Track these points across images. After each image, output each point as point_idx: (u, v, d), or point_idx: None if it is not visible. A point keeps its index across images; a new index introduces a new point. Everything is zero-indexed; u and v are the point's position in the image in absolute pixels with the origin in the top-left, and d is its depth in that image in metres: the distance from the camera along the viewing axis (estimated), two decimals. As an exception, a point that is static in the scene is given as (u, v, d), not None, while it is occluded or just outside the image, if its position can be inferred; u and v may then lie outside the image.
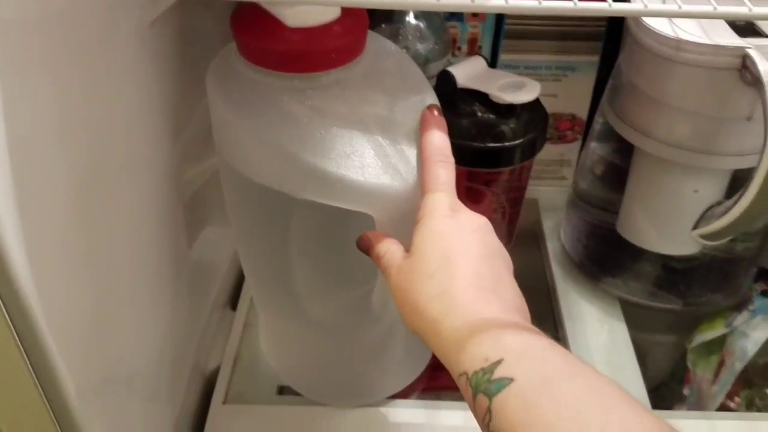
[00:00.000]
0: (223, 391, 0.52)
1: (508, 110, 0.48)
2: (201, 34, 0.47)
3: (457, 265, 0.34)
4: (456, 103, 0.48)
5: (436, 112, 0.40)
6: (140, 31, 0.38)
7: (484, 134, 0.47)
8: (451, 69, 0.49)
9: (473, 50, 0.65)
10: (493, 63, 0.66)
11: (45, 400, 0.31)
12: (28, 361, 0.30)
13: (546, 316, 0.63)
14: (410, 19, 0.57)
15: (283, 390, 0.54)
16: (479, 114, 0.48)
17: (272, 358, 0.54)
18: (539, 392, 0.27)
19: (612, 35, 0.63)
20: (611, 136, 0.56)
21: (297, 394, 0.52)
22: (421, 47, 0.58)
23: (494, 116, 0.48)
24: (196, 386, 0.53)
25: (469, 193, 0.52)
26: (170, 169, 0.45)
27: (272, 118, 0.38)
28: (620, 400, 0.27)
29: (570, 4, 0.35)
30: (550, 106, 0.67)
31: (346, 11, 0.39)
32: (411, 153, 0.38)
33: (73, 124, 0.31)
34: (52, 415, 0.32)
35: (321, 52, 0.38)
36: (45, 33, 0.29)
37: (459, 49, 0.65)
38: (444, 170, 0.38)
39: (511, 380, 0.28)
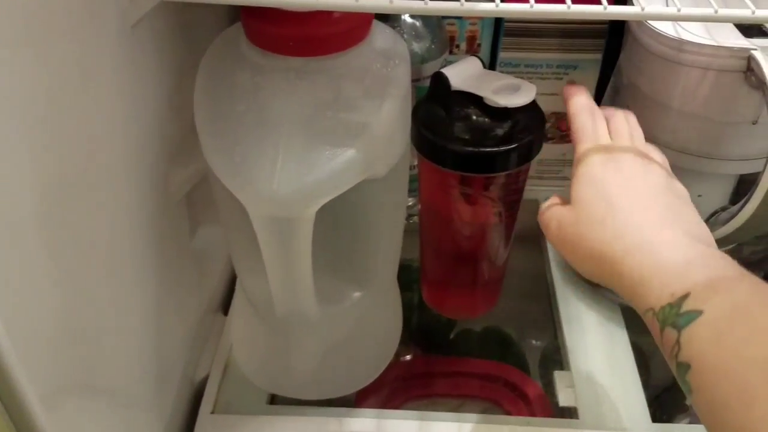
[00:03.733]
0: (211, 401, 0.51)
1: (504, 113, 0.46)
2: (187, 34, 0.46)
3: (625, 206, 0.35)
4: (450, 105, 0.47)
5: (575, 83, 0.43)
6: (121, 33, 0.37)
7: (479, 138, 0.46)
8: (445, 70, 0.47)
9: (472, 48, 0.63)
10: (492, 61, 0.65)
11: (3, 407, 0.30)
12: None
13: (546, 320, 0.61)
14: (406, 17, 0.56)
15: (274, 399, 0.52)
16: (474, 117, 0.47)
17: (242, 360, 0.53)
18: (730, 320, 0.28)
19: (615, 32, 0.61)
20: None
21: (288, 403, 0.51)
22: (417, 46, 0.56)
23: (489, 120, 0.46)
24: (185, 395, 0.51)
25: (465, 198, 0.50)
26: (156, 172, 0.43)
27: (221, 93, 0.39)
28: None
29: (563, 8, 0.33)
30: (552, 105, 0.66)
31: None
32: (308, 163, 0.37)
33: (42, 128, 0.30)
34: (10, 423, 0.31)
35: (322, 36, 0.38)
36: (17, 33, 0.28)
37: (457, 47, 0.63)
38: (591, 120, 0.39)
39: (700, 312, 0.28)
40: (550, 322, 0.60)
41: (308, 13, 0.37)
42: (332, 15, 0.38)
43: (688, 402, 0.56)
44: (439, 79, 0.46)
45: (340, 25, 0.38)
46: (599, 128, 0.39)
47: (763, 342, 0.26)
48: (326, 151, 0.37)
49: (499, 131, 0.46)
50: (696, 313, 0.29)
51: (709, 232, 0.35)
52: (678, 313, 0.29)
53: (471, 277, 0.56)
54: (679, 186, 0.38)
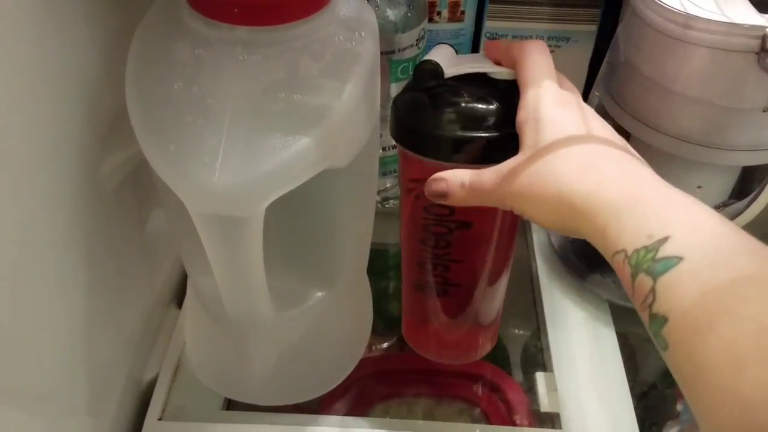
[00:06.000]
0: (160, 406, 0.47)
1: (511, 86, 0.38)
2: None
3: (591, 140, 0.32)
4: (447, 96, 0.38)
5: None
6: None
7: (498, 120, 0.37)
8: (430, 58, 0.39)
9: (455, 16, 0.58)
10: (477, 31, 0.60)
11: None
12: None
13: (529, 314, 0.57)
14: (380, -20, 0.50)
15: (230, 405, 0.48)
16: (485, 99, 0.38)
17: (195, 360, 0.48)
18: (714, 269, 0.25)
19: (613, 0, 0.56)
20: (608, 115, 0.49)
21: (245, 409, 0.47)
22: (391, 13, 0.50)
23: (499, 98, 0.38)
24: (130, 399, 0.47)
25: (506, 218, 0.42)
26: (84, 155, 0.38)
27: (156, 68, 0.34)
28: None
29: (556, -26, 0.28)
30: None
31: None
32: (256, 153, 0.32)
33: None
34: None
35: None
36: None
37: (439, 14, 0.58)
38: (531, 61, 0.36)
39: (680, 259, 0.25)
40: (533, 316, 0.56)
41: None
42: None
43: (678, 408, 0.53)
44: (429, 70, 0.38)
45: None
46: (546, 68, 0.36)
47: (752, 297, 0.23)
48: (277, 140, 0.32)
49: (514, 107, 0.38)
50: (676, 259, 0.25)
51: None
52: (654, 258, 0.26)
53: (460, 316, 0.48)
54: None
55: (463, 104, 0.38)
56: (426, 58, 0.39)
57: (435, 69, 0.38)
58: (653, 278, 0.26)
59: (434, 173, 0.37)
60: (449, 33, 0.59)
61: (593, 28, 0.58)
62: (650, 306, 0.26)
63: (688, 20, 0.39)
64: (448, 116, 0.38)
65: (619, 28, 0.48)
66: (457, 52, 0.42)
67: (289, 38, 0.34)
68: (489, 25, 0.59)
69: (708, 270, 0.25)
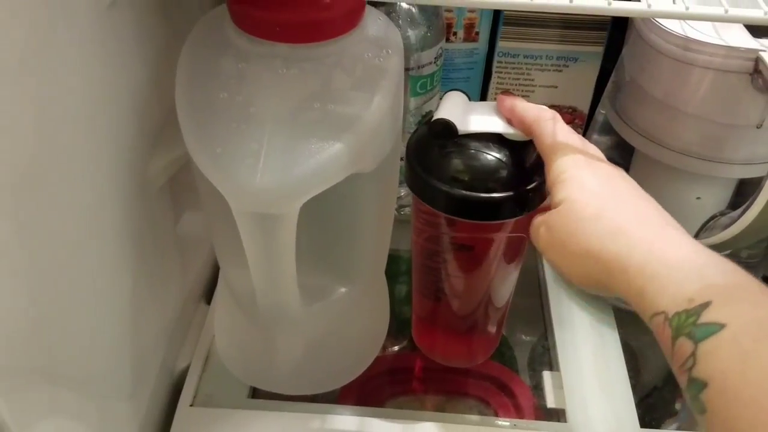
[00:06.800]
0: (191, 393, 0.50)
1: (522, 147, 0.40)
2: (169, 14, 0.44)
3: (620, 202, 0.33)
4: (458, 154, 0.40)
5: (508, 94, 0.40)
6: (96, 13, 0.35)
7: (521, 178, 0.40)
8: (441, 115, 0.41)
9: (470, 36, 0.62)
10: (491, 51, 0.63)
11: None
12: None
13: (536, 317, 0.60)
14: (402, 3, 0.54)
15: (255, 393, 0.51)
16: (504, 156, 0.40)
17: (224, 352, 0.51)
18: (757, 338, 0.25)
19: (618, 24, 0.59)
20: (613, 131, 0.52)
21: (269, 398, 0.50)
22: (412, 34, 0.54)
23: (518, 155, 0.40)
24: (164, 386, 0.50)
25: (511, 244, 0.44)
26: (135, 158, 0.42)
27: (203, 79, 0.37)
28: None
29: (565, 1, 0.32)
30: (550, 97, 0.64)
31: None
32: (293, 157, 0.35)
33: (10, 112, 0.29)
34: None
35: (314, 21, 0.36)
36: None
37: (455, 34, 0.61)
38: (550, 128, 0.37)
39: (722, 326, 0.26)
40: (540, 319, 0.59)
41: None
42: (322, 0, 0.36)
43: (677, 407, 0.56)
44: (443, 127, 0.40)
45: (330, 10, 0.36)
46: (565, 133, 0.37)
47: None
48: (313, 145, 0.36)
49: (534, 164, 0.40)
50: (718, 326, 0.26)
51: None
52: (695, 323, 0.27)
53: (465, 323, 0.51)
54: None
55: (472, 165, 0.40)
56: (439, 111, 0.41)
57: (448, 127, 0.40)
58: (694, 342, 0.26)
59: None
60: (464, 52, 0.63)
61: (600, 49, 0.61)
62: (690, 369, 0.26)
63: (688, 43, 0.43)
64: (457, 175, 0.40)
65: (625, 50, 0.52)
66: (468, 97, 0.44)
67: (324, 54, 0.37)
68: (502, 45, 0.62)
69: (750, 339, 0.25)
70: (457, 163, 0.40)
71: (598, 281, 0.32)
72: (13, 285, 0.31)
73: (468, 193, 0.40)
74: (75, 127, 0.35)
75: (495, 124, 0.40)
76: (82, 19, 0.34)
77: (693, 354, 0.26)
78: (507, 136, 0.40)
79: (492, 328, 0.52)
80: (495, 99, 0.42)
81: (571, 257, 0.33)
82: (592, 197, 0.34)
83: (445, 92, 0.44)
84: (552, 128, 0.37)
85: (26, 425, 0.33)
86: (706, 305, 0.27)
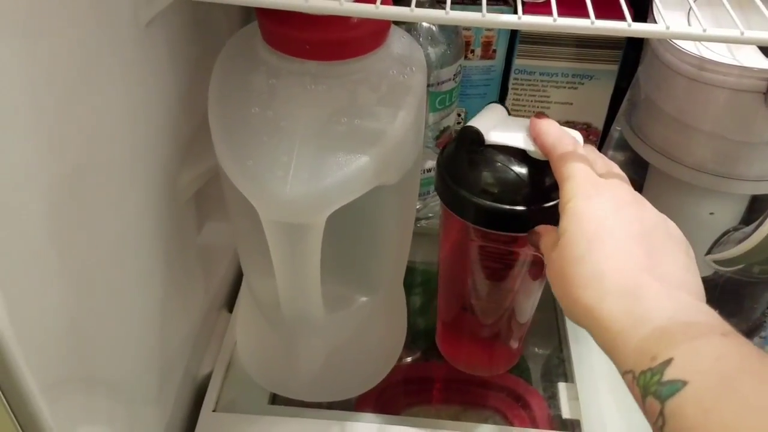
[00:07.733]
0: (213, 399, 0.51)
1: (545, 165, 0.41)
2: (202, 32, 0.46)
3: (604, 246, 0.33)
4: (502, 164, 0.42)
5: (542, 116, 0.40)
6: (135, 31, 0.37)
7: (544, 192, 0.41)
8: (474, 123, 0.42)
9: (487, 54, 0.63)
10: (507, 69, 0.64)
11: (4, 398, 0.30)
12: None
13: (551, 330, 0.61)
14: (422, 22, 0.55)
15: (275, 399, 0.52)
16: (536, 171, 0.41)
17: (246, 358, 0.53)
18: (718, 394, 0.25)
19: (633, 43, 0.61)
20: (628, 147, 0.53)
21: (289, 404, 0.51)
22: (432, 51, 0.56)
23: (539, 170, 0.41)
24: (188, 392, 0.51)
25: (536, 261, 0.45)
26: (166, 171, 0.43)
27: (235, 95, 0.39)
28: None
29: (586, 23, 0.33)
30: (565, 114, 0.65)
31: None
32: (321, 169, 0.36)
33: (52, 124, 0.30)
34: (11, 413, 0.31)
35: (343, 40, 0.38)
36: (28, 27, 0.28)
37: (472, 52, 0.63)
38: (565, 154, 0.37)
39: (684, 383, 0.26)
40: (555, 332, 0.60)
41: (326, 17, 0.36)
42: (350, 20, 0.37)
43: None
44: (471, 135, 0.42)
45: (358, 30, 0.38)
46: (583, 159, 0.37)
47: (753, 424, 0.24)
48: (340, 158, 0.37)
49: (539, 184, 0.42)
50: (680, 383, 0.26)
51: (698, 277, 0.33)
52: (660, 382, 0.27)
53: (489, 333, 0.52)
54: (671, 224, 0.35)
55: (504, 177, 0.42)
56: (475, 119, 0.43)
57: (476, 135, 0.42)
58: (661, 402, 0.26)
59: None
60: (481, 69, 0.64)
61: (614, 67, 0.62)
62: (661, 428, 0.27)
63: (703, 63, 0.44)
64: (487, 188, 0.42)
65: (640, 68, 0.53)
66: (507, 111, 0.45)
67: (351, 71, 0.39)
68: (518, 63, 0.63)
69: (711, 396, 0.25)
70: (487, 175, 0.42)
71: (579, 322, 0.33)
72: (58, 293, 0.33)
73: (497, 205, 0.41)
74: (115, 140, 0.36)
75: (521, 141, 0.41)
76: (123, 37, 0.36)
77: (661, 413, 0.27)
78: (530, 154, 0.41)
79: (514, 343, 0.53)
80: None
81: (562, 294, 0.34)
82: (582, 237, 0.33)
83: (487, 103, 0.46)
84: (568, 154, 0.37)
85: (67, 431, 0.34)
86: (668, 362, 0.27)
